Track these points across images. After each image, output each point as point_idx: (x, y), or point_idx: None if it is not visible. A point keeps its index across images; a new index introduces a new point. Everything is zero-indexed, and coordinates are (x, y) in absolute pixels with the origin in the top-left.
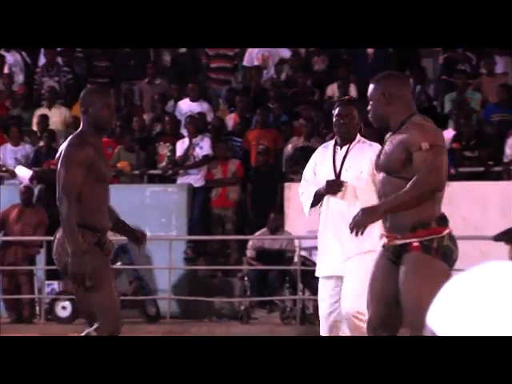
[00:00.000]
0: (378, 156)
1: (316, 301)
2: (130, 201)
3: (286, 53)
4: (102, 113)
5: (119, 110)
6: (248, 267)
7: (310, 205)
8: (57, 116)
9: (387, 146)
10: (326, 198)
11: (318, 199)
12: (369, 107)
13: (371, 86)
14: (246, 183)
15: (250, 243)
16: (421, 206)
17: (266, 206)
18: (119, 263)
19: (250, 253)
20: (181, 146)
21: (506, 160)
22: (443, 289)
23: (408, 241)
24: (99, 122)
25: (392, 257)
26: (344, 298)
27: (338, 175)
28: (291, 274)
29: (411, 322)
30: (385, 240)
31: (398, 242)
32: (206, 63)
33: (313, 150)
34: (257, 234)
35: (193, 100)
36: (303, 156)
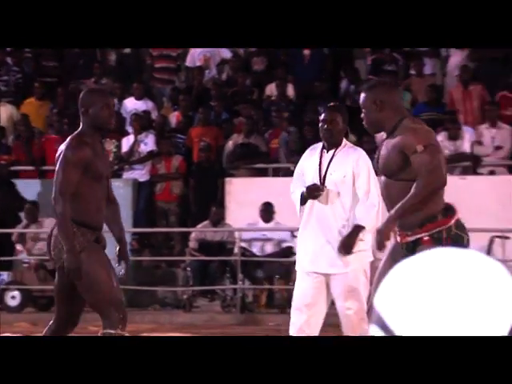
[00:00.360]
0: (377, 160)
1: (255, 290)
2: None
3: (226, 53)
4: (102, 113)
5: (67, 108)
6: (190, 258)
7: (298, 208)
8: (3, 113)
9: (383, 151)
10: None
11: (303, 202)
12: (362, 115)
13: (362, 95)
14: (189, 178)
15: (193, 235)
16: (427, 200)
17: (207, 200)
18: None
19: (192, 244)
20: (126, 143)
21: None
22: (391, 272)
23: (418, 236)
24: (99, 122)
25: (406, 252)
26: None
27: (322, 179)
28: (231, 265)
29: None
30: (398, 238)
31: (410, 238)
32: (151, 63)
33: (252, 147)
34: (199, 226)
35: (138, 98)
36: (243, 152)
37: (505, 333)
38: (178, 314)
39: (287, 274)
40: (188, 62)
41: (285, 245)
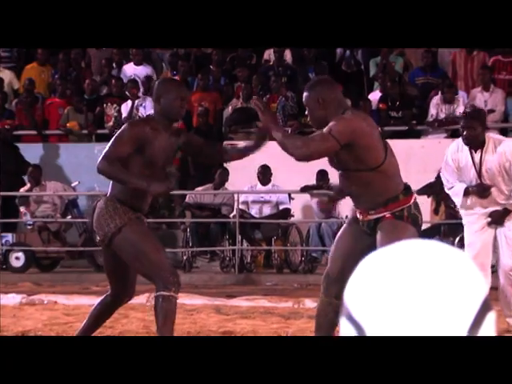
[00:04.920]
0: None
1: (253, 250)
2: (80, 158)
3: None
4: (174, 104)
5: (69, 73)
6: (191, 220)
7: (460, 200)
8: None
9: None
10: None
11: (466, 195)
12: (306, 112)
13: (305, 94)
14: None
15: (191, 196)
16: (385, 186)
17: (205, 164)
18: (69, 217)
19: (190, 204)
20: (125, 108)
21: (430, 119)
22: (360, 266)
23: (381, 215)
24: (168, 113)
25: (367, 229)
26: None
27: (478, 176)
28: (230, 226)
29: None
30: (359, 216)
31: (372, 216)
32: None
33: (250, 111)
34: (200, 188)
35: (137, 64)
36: (241, 117)
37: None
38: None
39: (284, 235)
40: None
41: (282, 207)
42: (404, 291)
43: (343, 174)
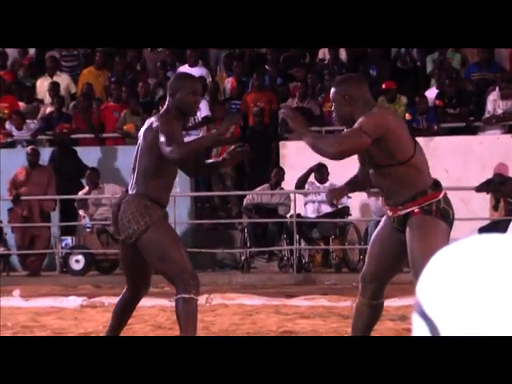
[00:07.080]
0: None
1: (311, 250)
2: None
3: None
4: (189, 99)
5: (125, 76)
6: (248, 220)
7: None
8: (61, 83)
9: None
10: None
11: None
12: (332, 108)
13: (332, 90)
14: (244, 142)
15: (249, 197)
16: (415, 179)
17: (262, 163)
18: None
19: (248, 207)
20: None
21: (487, 115)
22: (433, 259)
23: (410, 209)
24: (183, 107)
25: (397, 226)
26: None
27: None
28: (287, 226)
29: (418, 273)
30: (389, 213)
31: (401, 212)
32: None
33: (306, 110)
34: (258, 189)
35: (192, 65)
36: None
37: None
38: (236, 274)
39: (342, 233)
40: None
41: (340, 205)
42: (479, 287)
43: (375, 171)
